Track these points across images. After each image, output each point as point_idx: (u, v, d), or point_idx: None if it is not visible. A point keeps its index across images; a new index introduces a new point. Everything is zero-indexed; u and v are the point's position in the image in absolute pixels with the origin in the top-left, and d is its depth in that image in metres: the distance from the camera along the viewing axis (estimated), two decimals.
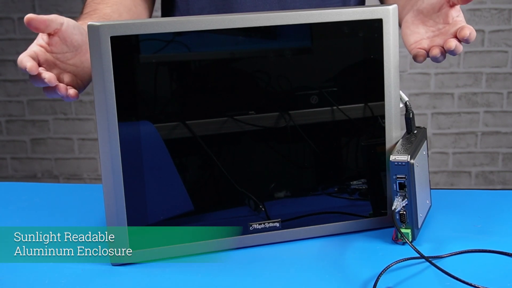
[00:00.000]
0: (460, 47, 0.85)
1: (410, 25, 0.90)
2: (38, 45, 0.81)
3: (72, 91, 0.81)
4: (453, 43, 0.84)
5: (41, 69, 0.79)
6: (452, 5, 0.87)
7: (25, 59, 0.78)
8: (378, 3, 1.19)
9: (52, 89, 0.80)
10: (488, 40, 2.44)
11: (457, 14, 0.88)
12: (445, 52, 0.85)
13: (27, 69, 0.77)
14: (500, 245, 0.81)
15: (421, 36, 0.89)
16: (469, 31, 0.84)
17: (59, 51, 0.82)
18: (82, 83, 0.85)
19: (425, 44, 0.88)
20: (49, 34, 0.81)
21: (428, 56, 0.87)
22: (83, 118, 2.58)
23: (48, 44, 0.82)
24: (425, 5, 0.89)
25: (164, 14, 1.21)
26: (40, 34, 0.82)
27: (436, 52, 0.85)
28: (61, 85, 0.80)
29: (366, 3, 1.25)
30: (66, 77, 0.82)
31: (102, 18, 0.95)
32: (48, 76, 0.78)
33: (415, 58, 0.87)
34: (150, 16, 1.15)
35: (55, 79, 0.79)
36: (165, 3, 1.20)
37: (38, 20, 0.78)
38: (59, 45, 0.82)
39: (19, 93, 2.57)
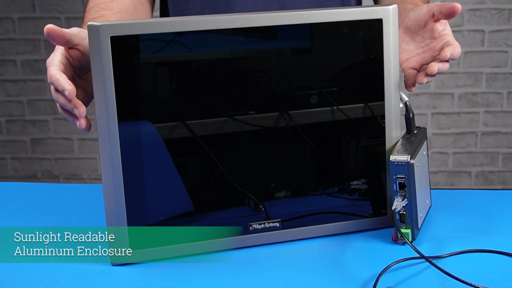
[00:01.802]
0: (445, 67, 0.85)
1: (401, 42, 0.90)
2: (63, 56, 0.79)
3: (88, 126, 0.79)
4: (435, 67, 0.84)
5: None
6: (436, 20, 0.88)
7: (63, 80, 0.75)
8: (373, 3, 1.19)
9: (73, 115, 0.79)
10: (488, 40, 2.44)
11: (442, 28, 0.88)
12: (433, 74, 0.85)
13: (66, 92, 0.74)
14: (500, 245, 0.81)
15: (411, 53, 0.90)
16: (450, 51, 0.84)
17: (78, 65, 0.81)
18: (89, 98, 0.83)
19: (415, 62, 0.89)
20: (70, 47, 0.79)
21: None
22: None
23: (71, 56, 0.80)
24: (411, 21, 0.90)
25: (162, 15, 1.21)
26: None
27: (421, 80, 0.85)
28: (82, 121, 0.78)
29: (363, 3, 1.25)
30: (79, 94, 0.80)
31: None
32: (81, 111, 0.76)
33: (405, 86, 0.88)
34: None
35: (84, 113, 0.77)
36: (161, 8, 1.20)
37: (57, 33, 0.77)
38: (80, 59, 0.80)
39: (19, 93, 2.56)
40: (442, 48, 0.86)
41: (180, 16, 1.12)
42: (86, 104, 0.81)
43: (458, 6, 0.84)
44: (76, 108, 0.77)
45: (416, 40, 0.90)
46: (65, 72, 0.77)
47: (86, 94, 0.82)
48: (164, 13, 1.19)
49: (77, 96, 0.78)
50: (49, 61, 0.79)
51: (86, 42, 0.79)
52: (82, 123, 0.78)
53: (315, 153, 0.86)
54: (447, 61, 0.85)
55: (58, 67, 0.77)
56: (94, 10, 0.99)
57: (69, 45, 0.79)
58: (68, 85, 0.75)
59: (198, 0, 1.12)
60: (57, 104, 0.80)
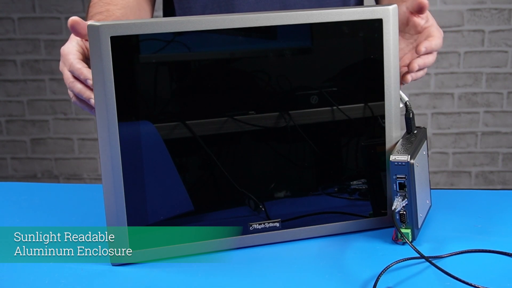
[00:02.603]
0: (428, 60, 0.87)
1: None
2: (80, 47, 0.81)
3: None
4: (414, 64, 0.87)
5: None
6: (415, 15, 0.89)
7: (86, 69, 0.77)
8: (374, 3, 1.19)
9: (89, 105, 0.81)
10: (488, 40, 2.44)
11: (424, 21, 0.90)
12: (414, 70, 0.87)
13: (89, 82, 0.77)
14: (500, 245, 0.81)
15: (403, 51, 0.92)
16: (425, 45, 0.86)
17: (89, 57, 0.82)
18: None
19: (407, 59, 0.91)
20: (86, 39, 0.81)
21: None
22: (83, 118, 2.58)
23: (86, 48, 0.82)
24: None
25: (165, 13, 1.21)
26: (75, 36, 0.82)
27: (405, 80, 0.88)
28: None
29: (365, 3, 1.25)
30: (90, 83, 0.81)
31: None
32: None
33: (402, 80, 0.89)
34: (151, 17, 1.15)
35: None
36: (165, 5, 1.20)
37: (82, 26, 0.79)
38: None
39: (19, 93, 2.57)
40: None
41: (180, 16, 1.12)
42: None
43: (425, 1, 0.86)
44: (92, 98, 0.78)
45: (405, 37, 0.92)
46: (83, 61, 0.80)
47: None
48: (168, 11, 1.19)
49: (90, 86, 0.80)
50: (65, 49, 0.81)
51: None
52: None
53: (315, 153, 0.86)
54: (430, 53, 0.87)
55: (77, 56, 0.80)
56: (99, 4, 0.99)
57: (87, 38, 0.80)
58: (90, 74, 0.77)
59: None
60: (70, 94, 0.81)
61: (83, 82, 0.79)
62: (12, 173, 2.66)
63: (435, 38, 0.87)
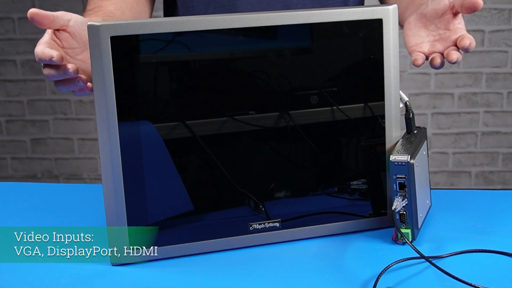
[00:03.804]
0: (460, 57, 0.87)
1: (413, 27, 0.91)
2: (50, 38, 0.81)
3: (89, 83, 0.80)
4: (455, 56, 0.85)
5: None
6: (455, 13, 0.88)
7: (47, 50, 0.76)
8: (378, 3, 1.19)
9: (70, 81, 0.79)
10: (488, 40, 2.44)
11: (458, 22, 0.89)
12: (466, 46, 0.87)
13: (54, 58, 0.75)
14: (500, 245, 0.81)
15: (422, 39, 0.90)
16: (469, 41, 0.86)
17: (69, 46, 0.82)
18: (88, 78, 0.84)
19: (425, 48, 0.90)
20: (57, 30, 0.81)
21: (427, 60, 0.88)
22: (83, 118, 2.58)
23: (59, 38, 0.82)
24: (429, 9, 0.90)
25: (166, 13, 1.21)
26: (48, 30, 0.81)
27: (437, 62, 0.86)
28: (83, 76, 0.79)
29: (366, 3, 1.25)
30: (54, 59, 0.79)
31: (107, 16, 0.95)
32: (71, 66, 0.77)
33: (414, 62, 0.88)
34: (151, 15, 1.15)
35: (77, 70, 0.78)
36: (167, 3, 1.20)
37: (41, 15, 0.79)
38: (69, 40, 0.82)
39: (19, 93, 2.57)
40: (456, 40, 0.87)
41: (180, 16, 1.12)
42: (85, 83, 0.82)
43: (480, 1, 0.85)
44: (67, 68, 0.77)
45: (429, 28, 0.91)
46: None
47: (83, 73, 0.82)
48: (170, 10, 1.19)
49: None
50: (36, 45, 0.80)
51: (73, 22, 0.82)
52: (83, 78, 0.79)
53: (315, 153, 0.86)
54: (459, 51, 0.86)
55: (45, 43, 0.79)
56: (94, 1, 0.99)
57: (55, 27, 0.81)
58: (53, 52, 0.76)
59: None
60: (54, 82, 0.81)
61: (50, 64, 0.78)
62: (12, 173, 2.66)
63: (473, 40, 0.87)
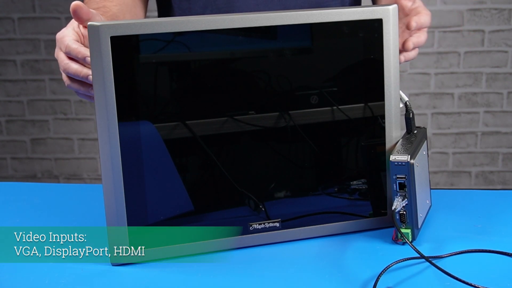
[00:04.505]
0: (420, 39, 0.90)
1: None
2: (75, 32, 0.82)
3: None
4: (409, 43, 0.89)
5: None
6: None
7: (83, 48, 0.78)
8: (371, 3, 1.19)
9: (84, 84, 0.81)
10: (488, 40, 2.44)
11: (411, 3, 0.92)
12: (410, 49, 0.89)
13: (88, 59, 0.77)
14: (500, 245, 0.81)
15: None
16: (415, 20, 0.88)
17: (87, 44, 0.82)
18: None
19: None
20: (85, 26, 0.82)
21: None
22: (83, 118, 2.58)
23: (83, 35, 0.82)
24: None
25: (161, 16, 1.21)
26: (77, 24, 0.82)
27: (400, 60, 0.88)
28: None
29: (362, 3, 1.25)
30: (89, 61, 0.82)
31: (111, 18, 0.95)
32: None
33: None
34: (144, 17, 1.15)
35: None
36: (162, 4, 1.20)
37: (84, 11, 0.80)
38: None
39: (19, 93, 2.56)
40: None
41: (180, 16, 1.12)
42: None
43: None
44: (90, 74, 0.78)
45: None
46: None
47: None
48: (165, 12, 1.19)
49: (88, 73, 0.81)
50: (60, 34, 0.82)
51: None
52: None
53: (315, 153, 0.86)
54: (421, 31, 0.89)
55: (74, 37, 0.80)
56: (95, 1, 0.99)
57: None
58: (88, 52, 0.77)
59: (200, 0, 1.12)
60: (65, 77, 0.82)
61: (79, 61, 0.80)
62: (12, 173, 2.66)
63: (423, 14, 0.89)
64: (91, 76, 0.78)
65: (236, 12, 1.11)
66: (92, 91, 0.79)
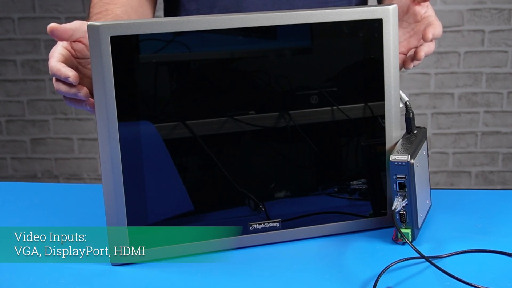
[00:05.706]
0: (430, 48, 0.89)
1: None
2: (64, 48, 0.81)
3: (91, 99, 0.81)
4: (422, 53, 0.88)
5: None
6: (417, 3, 0.91)
7: (64, 69, 0.77)
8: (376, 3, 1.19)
9: (77, 101, 0.81)
10: (488, 40, 2.44)
11: (424, 11, 0.91)
12: (422, 58, 0.89)
13: (70, 79, 0.76)
14: (500, 245, 0.81)
15: (399, 39, 0.92)
16: (432, 31, 0.88)
17: (82, 56, 0.82)
18: None
19: (403, 47, 0.92)
20: (73, 41, 0.81)
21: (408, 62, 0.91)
22: (83, 118, 2.58)
23: (74, 49, 0.82)
24: None
25: (167, 15, 1.21)
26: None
27: (408, 65, 0.90)
28: (91, 100, 0.80)
29: (369, 3, 1.25)
30: (87, 82, 0.82)
31: (113, 19, 0.95)
32: (83, 92, 0.78)
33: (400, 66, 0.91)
34: (153, 16, 1.15)
35: (88, 94, 0.79)
36: (169, 4, 1.20)
37: (61, 31, 0.79)
38: (84, 51, 0.82)
39: (19, 93, 2.56)
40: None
41: (180, 16, 1.12)
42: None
43: None
44: (79, 91, 0.78)
45: (402, 26, 0.92)
46: (65, 62, 0.79)
47: (92, 83, 0.83)
48: (172, 12, 1.19)
49: (84, 84, 0.80)
50: (50, 54, 0.81)
51: None
52: (90, 103, 0.80)
53: (315, 153, 0.86)
54: (432, 41, 0.89)
55: (58, 58, 0.79)
56: (99, 4, 0.99)
57: (73, 39, 0.81)
58: (70, 72, 0.77)
59: (208, 0, 1.12)
60: (62, 96, 0.81)
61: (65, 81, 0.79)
62: (12, 173, 2.66)
63: (437, 26, 0.89)
64: (80, 93, 0.78)
65: (243, 11, 1.11)
66: (86, 105, 0.80)
